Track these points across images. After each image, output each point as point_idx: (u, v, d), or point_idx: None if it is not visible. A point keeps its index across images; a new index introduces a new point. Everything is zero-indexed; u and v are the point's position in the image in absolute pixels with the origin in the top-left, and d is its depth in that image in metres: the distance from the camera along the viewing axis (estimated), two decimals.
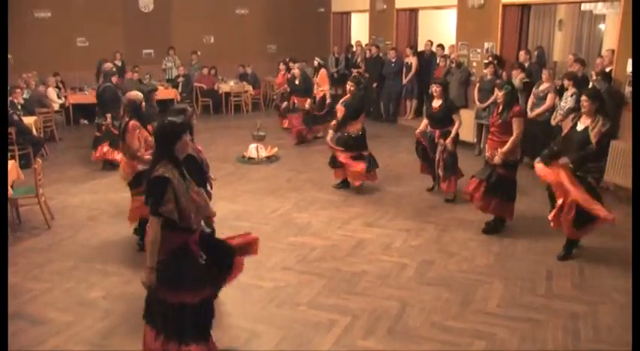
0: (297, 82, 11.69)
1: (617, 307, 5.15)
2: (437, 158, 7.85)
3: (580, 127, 5.79)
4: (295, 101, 11.75)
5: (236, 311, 5.08)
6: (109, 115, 9.46)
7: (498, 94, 6.63)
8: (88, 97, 12.63)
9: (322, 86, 11.87)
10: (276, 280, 5.65)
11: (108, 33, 14.77)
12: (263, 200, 8.07)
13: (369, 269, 5.89)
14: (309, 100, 11.56)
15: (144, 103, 5.86)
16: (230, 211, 7.55)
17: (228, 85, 15.16)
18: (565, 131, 5.95)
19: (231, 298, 5.30)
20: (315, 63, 12.44)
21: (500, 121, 6.54)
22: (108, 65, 10.74)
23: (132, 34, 15.14)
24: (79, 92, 13.48)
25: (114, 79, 9.93)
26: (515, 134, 6.46)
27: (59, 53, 14.07)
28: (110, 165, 9.50)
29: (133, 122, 5.80)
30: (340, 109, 8.04)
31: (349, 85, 8.18)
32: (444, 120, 7.72)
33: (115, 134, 9.42)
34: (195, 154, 4.92)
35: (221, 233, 4.74)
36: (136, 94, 6.04)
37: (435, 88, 7.83)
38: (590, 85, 8.59)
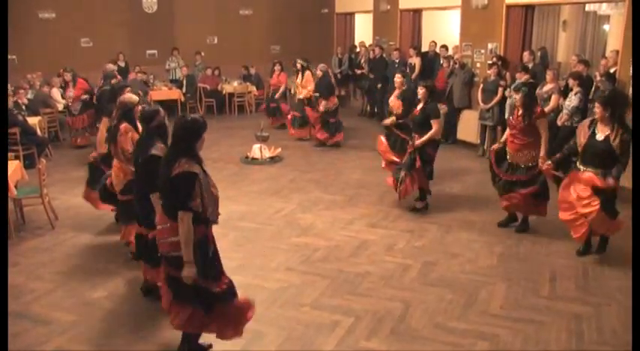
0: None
1: (621, 309, 5.13)
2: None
3: (600, 136, 5.71)
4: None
5: None
6: (105, 119, 9.41)
7: (516, 97, 6.60)
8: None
9: (308, 87, 11.81)
10: (279, 280, 5.65)
11: (112, 33, 14.81)
12: (266, 201, 8.07)
13: (373, 270, 5.88)
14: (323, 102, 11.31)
15: (138, 107, 5.65)
16: (234, 212, 7.55)
17: (231, 86, 15.16)
18: (583, 140, 5.84)
19: None
20: (299, 65, 12.24)
21: (524, 124, 6.47)
22: (109, 66, 10.75)
23: (136, 34, 15.17)
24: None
25: (113, 81, 9.91)
26: (544, 136, 6.47)
27: (63, 54, 14.09)
28: None
29: (125, 125, 5.62)
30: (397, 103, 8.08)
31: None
32: (422, 125, 7.28)
33: None
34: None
35: None
36: (130, 97, 5.93)
37: (419, 90, 7.41)
38: (594, 86, 8.59)
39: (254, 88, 15.40)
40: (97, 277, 5.75)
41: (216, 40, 16.31)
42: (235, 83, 15.27)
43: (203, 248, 3.99)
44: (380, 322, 4.87)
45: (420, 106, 7.35)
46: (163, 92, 14.37)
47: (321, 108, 11.21)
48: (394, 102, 8.23)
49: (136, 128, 5.66)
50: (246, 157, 10.34)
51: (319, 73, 11.53)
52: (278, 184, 8.90)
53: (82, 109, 11.15)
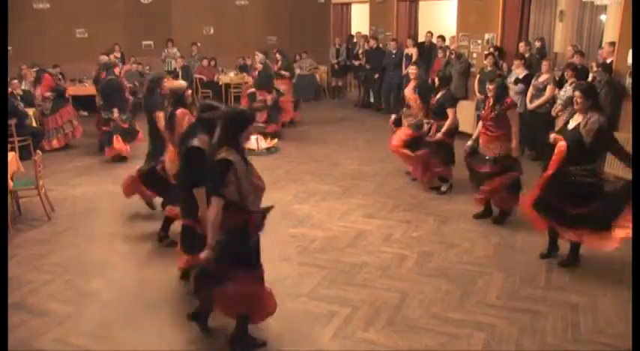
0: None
1: (616, 299, 5.15)
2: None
3: (571, 124, 5.49)
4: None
5: None
6: (115, 110, 9.39)
7: (489, 88, 6.60)
8: (88, 88, 12.59)
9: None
10: (276, 271, 5.63)
11: (107, 24, 14.73)
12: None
13: (369, 260, 5.89)
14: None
15: (188, 92, 5.84)
16: None
17: (228, 77, 15.14)
18: (558, 127, 5.77)
19: None
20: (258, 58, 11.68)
21: (493, 114, 6.49)
22: (103, 58, 10.67)
23: (131, 25, 15.09)
24: (78, 84, 13.46)
25: (116, 70, 9.86)
26: (514, 127, 6.47)
27: (58, 45, 14.03)
28: (120, 158, 9.56)
29: (181, 110, 5.70)
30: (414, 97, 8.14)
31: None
32: (439, 113, 7.68)
33: (124, 127, 9.45)
34: (205, 151, 4.64)
35: None
36: (179, 84, 6.03)
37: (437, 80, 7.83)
38: (590, 77, 8.58)
39: (250, 79, 15.34)
40: (94, 268, 5.75)
41: (212, 31, 16.24)
42: (232, 74, 15.24)
43: (240, 236, 4.09)
44: (377, 313, 4.89)
45: (438, 95, 7.68)
46: None
47: (269, 102, 11.07)
48: (410, 95, 8.25)
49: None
50: None
51: (259, 65, 11.27)
52: (274, 175, 8.89)
53: (55, 107, 10.54)
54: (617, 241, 5.29)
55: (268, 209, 4.27)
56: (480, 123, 6.83)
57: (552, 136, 5.62)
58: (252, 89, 11.32)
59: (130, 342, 4.49)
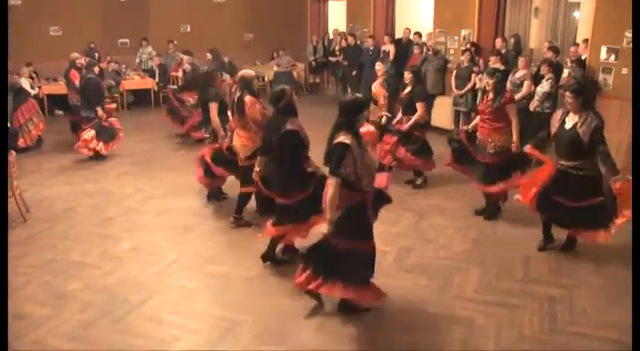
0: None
1: (592, 290, 5.24)
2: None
3: (568, 124, 5.62)
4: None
5: (216, 300, 5.09)
6: (99, 108, 9.36)
7: (488, 82, 6.65)
8: (63, 87, 12.42)
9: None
10: (256, 268, 5.65)
11: (82, 22, 14.53)
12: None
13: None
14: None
15: (256, 80, 6.37)
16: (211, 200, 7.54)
17: None
18: (554, 129, 5.79)
19: (211, 287, 5.32)
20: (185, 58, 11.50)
21: (492, 107, 6.57)
22: (74, 55, 10.53)
23: (107, 22, 14.92)
24: (53, 83, 13.28)
25: (96, 69, 9.78)
26: (514, 121, 6.56)
27: (31, 43, 13.80)
28: (99, 156, 9.52)
29: (250, 97, 6.14)
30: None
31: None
32: (409, 107, 7.77)
33: (104, 127, 9.38)
34: (300, 131, 5.24)
35: None
36: (247, 72, 6.42)
37: (406, 75, 7.91)
38: (565, 73, 8.69)
39: (228, 77, 15.27)
40: (71, 269, 5.69)
41: (189, 29, 16.13)
42: None
43: (358, 212, 4.46)
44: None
45: (407, 90, 7.78)
46: (136, 82, 14.23)
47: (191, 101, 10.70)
48: (378, 89, 8.35)
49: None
50: None
51: (187, 66, 11.03)
52: None
53: (14, 105, 10.19)
54: (610, 234, 5.49)
55: (383, 191, 4.75)
56: (478, 117, 6.94)
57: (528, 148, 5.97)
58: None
59: (110, 342, 4.46)
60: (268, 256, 5.68)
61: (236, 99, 6.28)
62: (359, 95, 4.73)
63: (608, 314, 4.85)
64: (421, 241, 6.31)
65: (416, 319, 4.78)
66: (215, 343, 4.45)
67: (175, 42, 15.27)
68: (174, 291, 5.24)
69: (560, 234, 6.08)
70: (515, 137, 6.55)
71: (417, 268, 5.69)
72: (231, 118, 6.62)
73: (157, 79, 14.32)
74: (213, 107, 7.32)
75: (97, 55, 12.76)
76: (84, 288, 5.30)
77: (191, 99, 10.61)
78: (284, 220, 5.37)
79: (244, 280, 5.43)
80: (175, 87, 11.32)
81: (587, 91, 5.75)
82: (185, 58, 11.44)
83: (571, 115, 5.65)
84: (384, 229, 6.60)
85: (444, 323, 4.71)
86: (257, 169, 5.66)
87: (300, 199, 5.25)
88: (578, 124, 5.50)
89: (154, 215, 7.13)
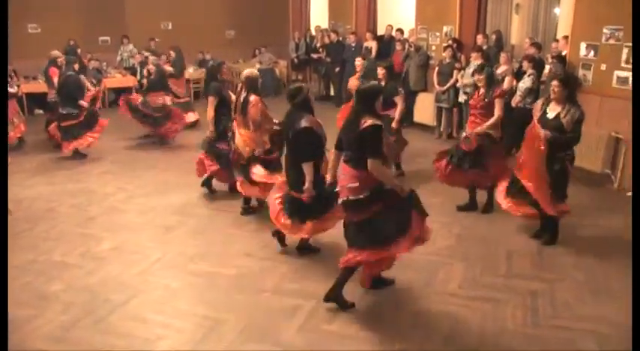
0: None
1: (574, 284, 5.29)
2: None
3: (551, 114, 5.75)
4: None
5: (199, 299, 5.06)
6: (84, 104, 9.35)
7: (479, 78, 6.69)
8: (42, 85, 12.29)
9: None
10: (239, 267, 5.64)
11: (61, 19, 14.40)
12: (225, 186, 8.01)
13: (332, 254, 5.89)
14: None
15: (260, 80, 6.55)
16: (191, 199, 7.53)
17: (187, 72, 14.97)
18: (535, 118, 5.88)
19: (194, 285, 5.30)
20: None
21: (483, 102, 6.63)
22: (55, 53, 10.43)
23: (87, 20, 14.80)
24: (32, 81, 13.15)
25: (75, 66, 9.70)
26: (497, 114, 6.58)
27: (9, 41, 13.61)
28: (80, 155, 9.50)
29: (255, 97, 6.32)
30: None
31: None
32: (384, 104, 7.75)
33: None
34: (315, 128, 5.30)
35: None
36: (252, 72, 6.56)
37: (379, 71, 7.94)
38: (547, 69, 8.75)
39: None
40: (53, 269, 5.64)
41: (170, 26, 16.04)
42: (191, 69, 15.08)
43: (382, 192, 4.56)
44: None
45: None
46: (117, 80, 14.13)
47: (169, 102, 10.61)
48: (354, 83, 8.35)
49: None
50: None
51: (151, 67, 10.77)
52: None
53: None
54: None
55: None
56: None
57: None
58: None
59: (93, 343, 4.42)
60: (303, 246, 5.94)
61: (242, 99, 6.39)
62: (375, 82, 5.03)
63: (589, 307, 4.90)
64: None
65: (400, 314, 4.80)
66: (199, 341, 4.43)
67: (157, 39, 15.18)
68: (157, 290, 5.21)
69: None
70: (485, 124, 6.59)
71: (401, 263, 5.65)
72: (234, 116, 6.69)
73: (138, 77, 14.19)
74: (211, 101, 7.29)
75: (78, 50, 12.62)
76: (66, 288, 5.25)
77: (160, 100, 10.46)
78: (306, 216, 5.48)
79: (228, 278, 5.41)
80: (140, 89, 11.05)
81: (572, 83, 5.82)
82: (151, 58, 11.24)
83: (553, 105, 5.78)
84: None
85: (428, 318, 4.73)
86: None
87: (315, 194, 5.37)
88: (562, 114, 5.64)
89: (137, 214, 7.08)
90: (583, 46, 8.41)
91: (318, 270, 5.56)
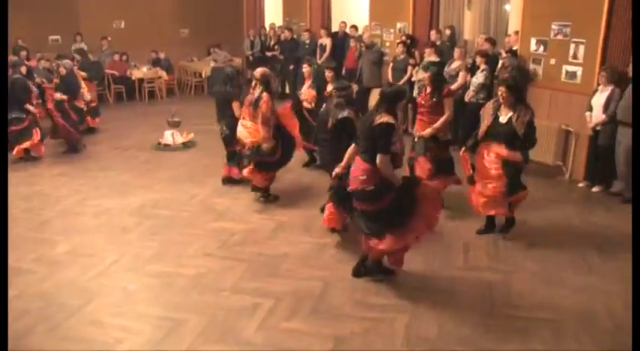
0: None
1: (528, 275, 5.43)
2: None
3: (503, 118, 5.83)
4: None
5: (158, 300, 5.00)
6: (31, 107, 9.15)
7: (425, 76, 6.75)
8: None
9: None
10: (197, 266, 5.59)
11: (9, 17, 13.98)
12: (181, 187, 7.95)
13: (290, 251, 5.92)
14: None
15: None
16: (148, 200, 7.42)
17: (141, 72, 14.79)
18: (486, 122, 5.97)
19: (152, 287, 5.24)
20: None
21: (432, 101, 6.66)
22: (11, 59, 10.18)
23: (36, 18, 14.42)
24: None
25: (22, 69, 9.46)
26: (447, 114, 6.64)
27: None
28: (31, 158, 9.28)
29: (266, 94, 6.91)
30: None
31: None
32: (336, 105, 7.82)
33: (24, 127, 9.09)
34: (354, 120, 6.08)
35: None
36: (266, 71, 7.22)
37: (327, 73, 8.07)
38: (500, 63, 8.90)
39: (164, 73, 15.07)
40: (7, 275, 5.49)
41: (122, 25, 15.79)
42: (145, 69, 14.91)
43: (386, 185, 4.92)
44: (300, 302, 4.92)
45: (330, 88, 7.59)
46: None
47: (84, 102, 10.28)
48: (308, 93, 8.39)
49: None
50: (159, 144, 10.11)
51: (62, 70, 10.01)
52: (192, 169, 8.78)
53: None
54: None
55: None
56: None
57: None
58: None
59: (49, 350, 4.33)
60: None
61: (256, 95, 6.95)
62: (399, 85, 5.46)
63: (543, 296, 5.03)
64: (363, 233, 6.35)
65: (360, 309, 4.83)
66: (159, 343, 4.38)
67: (109, 38, 14.95)
68: (114, 293, 5.13)
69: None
70: (437, 124, 6.63)
71: (358, 258, 5.73)
72: (243, 109, 7.18)
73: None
74: (237, 106, 7.49)
75: (24, 53, 12.25)
76: (19, 295, 5.11)
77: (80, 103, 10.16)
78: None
79: (187, 278, 5.37)
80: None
81: (520, 88, 5.92)
82: (62, 61, 10.41)
83: (504, 109, 5.87)
84: None
85: (388, 313, 4.77)
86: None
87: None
88: (514, 119, 5.74)
89: (92, 216, 6.96)
90: (533, 41, 8.60)
91: (277, 268, 5.56)
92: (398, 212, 4.88)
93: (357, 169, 4.95)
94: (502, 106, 5.90)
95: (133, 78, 14.68)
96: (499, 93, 5.92)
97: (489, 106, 6.08)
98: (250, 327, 4.57)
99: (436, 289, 5.16)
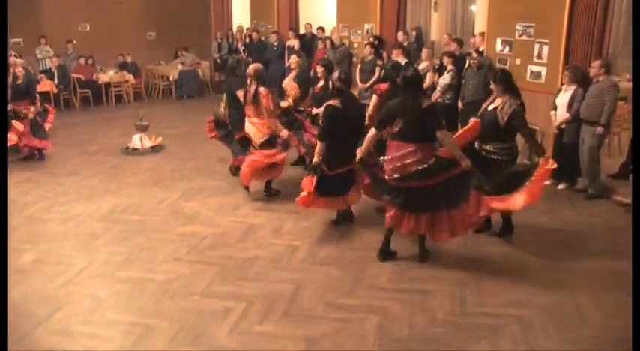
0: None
1: (497, 272, 5.49)
2: None
3: (491, 106, 5.86)
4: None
5: (128, 306, 4.96)
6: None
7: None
8: None
9: None
10: (167, 271, 5.55)
11: None
12: (149, 191, 7.88)
13: (261, 254, 5.91)
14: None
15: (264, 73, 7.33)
16: (116, 205, 7.33)
17: (107, 75, 14.58)
18: (480, 111, 6.02)
19: (122, 293, 5.19)
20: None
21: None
22: None
23: None
24: None
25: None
26: None
27: None
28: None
29: (264, 88, 7.07)
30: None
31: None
32: (322, 101, 7.78)
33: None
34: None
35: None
36: (260, 66, 7.39)
37: (318, 69, 7.99)
38: (467, 63, 9.00)
39: (131, 77, 14.91)
40: None
41: (88, 28, 15.57)
42: (111, 72, 14.70)
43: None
44: (272, 305, 4.92)
45: (321, 84, 7.87)
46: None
47: (31, 115, 9.31)
48: (290, 84, 8.40)
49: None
50: (127, 148, 10.00)
51: (19, 70, 9.39)
52: (160, 174, 8.70)
53: None
54: (518, 203, 5.59)
55: None
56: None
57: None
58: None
59: None
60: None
61: (253, 91, 7.06)
62: (415, 71, 5.60)
63: (511, 293, 5.10)
64: (333, 234, 6.38)
65: (331, 310, 4.84)
66: (130, 349, 4.34)
67: (74, 42, 14.73)
68: (83, 300, 5.06)
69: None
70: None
71: (330, 260, 5.76)
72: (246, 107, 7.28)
73: (56, 81, 13.74)
74: (240, 94, 7.54)
75: None
76: None
77: (24, 110, 9.26)
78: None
79: (157, 283, 5.32)
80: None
81: (507, 77, 5.92)
82: (19, 61, 10.16)
83: (497, 99, 5.86)
84: (295, 223, 6.67)
85: (359, 313, 4.79)
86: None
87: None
88: (499, 107, 5.73)
89: (59, 223, 6.85)
90: (499, 41, 8.73)
91: (248, 271, 5.55)
92: (464, 187, 5.45)
93: (407, 154, 5.27)
94: (497, 97, 5.87)
95: (100, 82, 14.45)
96: (491, 87, 5.93)
97: (492, 96, 6.07)
98: (222, 331, 4.56)
99: (406, 288, 5.20)
